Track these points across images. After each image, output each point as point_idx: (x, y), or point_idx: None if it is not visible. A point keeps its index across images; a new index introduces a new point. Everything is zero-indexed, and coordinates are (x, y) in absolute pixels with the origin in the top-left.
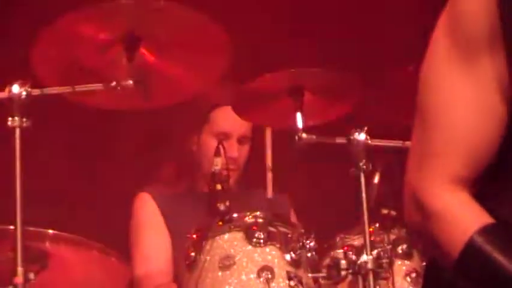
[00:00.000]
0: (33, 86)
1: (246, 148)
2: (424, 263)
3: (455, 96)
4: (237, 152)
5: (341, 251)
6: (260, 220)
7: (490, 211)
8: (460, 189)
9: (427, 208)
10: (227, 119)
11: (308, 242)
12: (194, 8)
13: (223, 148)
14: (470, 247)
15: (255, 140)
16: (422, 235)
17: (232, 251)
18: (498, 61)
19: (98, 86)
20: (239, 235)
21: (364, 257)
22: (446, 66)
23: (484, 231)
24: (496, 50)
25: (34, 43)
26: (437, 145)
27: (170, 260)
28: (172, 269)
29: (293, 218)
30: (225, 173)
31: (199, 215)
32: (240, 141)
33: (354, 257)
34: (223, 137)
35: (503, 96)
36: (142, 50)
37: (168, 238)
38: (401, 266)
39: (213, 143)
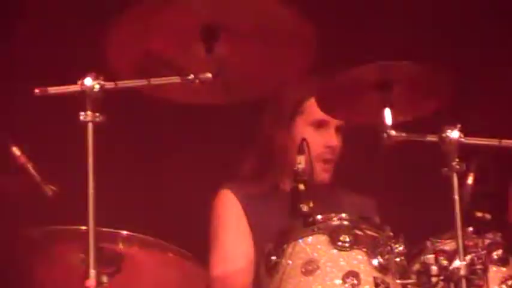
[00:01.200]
0: (106, 79)
1: (341, 138)
2: None
3: None
4: (336, 140)
5: (432, 256)
6: (346, 222)
7: None
8: None
9: None
10: None
11: (397, 246)
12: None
13: (307, 145)
14: None
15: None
16: None
17: (315, 255)
18: None
19: (174, 79)
20: (323, 238)
21: (456, 263)
22: None
23: None
24: None
25: (109, 33)
26: None
27: (252, 263)
28: (253, 271)
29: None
30: (309, 171)
31: (282, 216)
32: (337, 130)
33: (445, 263)
34: (320, 125)
35: None
36: (222, 42)
37: (250, 239)
38: (496, 273)
39: (308, 131)
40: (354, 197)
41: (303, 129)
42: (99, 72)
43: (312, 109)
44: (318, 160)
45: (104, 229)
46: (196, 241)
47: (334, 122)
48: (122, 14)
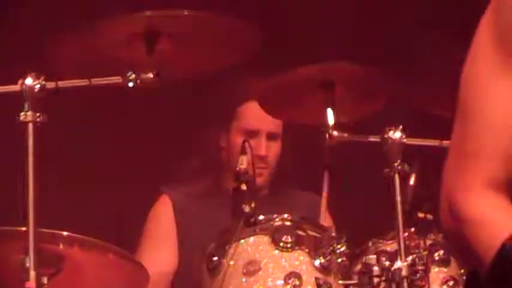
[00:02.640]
0: (47, 79)
1: (276, 145)
2: (463, 271)
3: (497, 98)
4: (266, 149)
5: (374, 256)
6: (288, 223)
7: None
8: (496, 193)
9: (461, 211)
10: (254, 115)
11: (339, 247)
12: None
13: (249, 145)
14: (502, 254)
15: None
16: (456, 240)
17: (257, 255)
18: None
19: (116, 79)
20: (265, 239)
21: (398, 264)
22: (489, 65)
23: None
24: None
25: (52, 36)
26: (476, 145)
27: (168, 275)
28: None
29: (328, 221)
30: (250, 172)
31: (223, 217)
32: (269, 138)
33: (387, 263)
34: (250, 134)
35: None
36: (163, 44)
37: (174, 251)
38: (438, 274)
39: (240, 140)
40: (304, 196)
41: (235, 136)
42: (40, 71)
43: (245, 116)
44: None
45: (44, 230)
46: (137, 242)
47: (264, 130)
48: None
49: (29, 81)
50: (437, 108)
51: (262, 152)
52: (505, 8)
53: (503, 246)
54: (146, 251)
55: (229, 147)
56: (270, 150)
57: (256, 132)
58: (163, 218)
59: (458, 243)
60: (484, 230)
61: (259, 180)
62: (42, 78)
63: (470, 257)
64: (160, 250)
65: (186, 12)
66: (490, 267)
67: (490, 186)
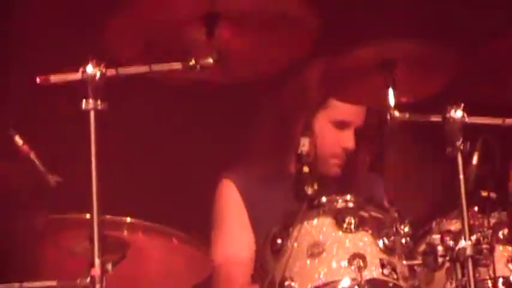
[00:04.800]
0: (108, 66)
1: (358, 139)
2: None
3: None
4: (354, 143)
5: (438, 236)
6: (351, 204)
7: None
8: None
9: None
10: (349, 108)
11: (402, 227)
12: None
13: (312, 129)
14: None
15: None
16: None
17: (321, 237)
18: None
19: (176, 65)
20: (328, 220)
21: (462, 243)
22: None
23: None
24: None
25: (110, 20)
26: None
27: (252, 254)
28: (252, 266)
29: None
30: (312, 154)
31: (288, 200)
32: (356, 132)
33: (451, 243)
34: (341, 125)
35: None
36: (222, 27)
37: (250, 230)
38: (502, 252)
39: (328, 129)
40: (367, 177)
41: (323, 125)
42: (100, 59)
43: (338, 108)
44: (332, 157)
45: (108, 216)
46: (200, 227)
47: (355, 124)
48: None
49: (89, 69)
50: (499, 89)
51: (351, 145)
52: None
53: None
54: (224, 238)
55: (317, 136)
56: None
57: (348, 124)
58: (231, 203)
59: None
60: None
61: (335, 170)
62: (102, 65)
63: None
64: (239, 233)
65: None
66: None
67: None
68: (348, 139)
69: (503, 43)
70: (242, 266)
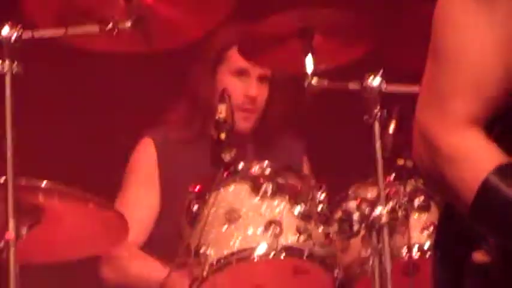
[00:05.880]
0: (24, 28)
1: (265, 89)
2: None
3: (472, 35)
4: (256, 91)
5: (354, 203)
6: (267, 171)
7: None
8: (476, 129)
9: (439, 146)
10: None
11: (319, 194)
12: None
13: (228, 94)
14: (485, 187)
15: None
16: (431, 175)
17: (237, 204)
18: None
19: (93, 28)
20: (245, 187)
21: (378, 210)
22: (462, 3)
23: (500, 170)
24: None
25: None
26: (454, 84)
27: (151, 216)
28: (148, 231)
29: (306, 166)
30: (229, 120)
31: (205, 165)
32: (259, 80)
33: (367, 210)
34: (240, 75)
35: None
36: None
37: (156, 193)
38: (418, 220)
39: (230, 80)
40: (285, 139)
41: (224, 78)
42: (16, 21)
43: (234, 57)
44: (238, 109)
45: (24, 180)
46: (117, 191)
47: (255, 72)
48: None
49: (5, 31)
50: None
51: (253, 93)
52: None
53: (487, 179)
54: (128, 193)
55: (215, 92)
56: (260, 92)
57: (247, 71)
58: (145, 160)
59: (435, 180)
60: (466, 164)
61: (244, 125)
62: (18, 27)
63: (449, 193)
64: (143, 193)
65: None
66: (474, 200)
67: (470, 123)
68: (249, 86)
69: (424, 9)
70: (137, 224)
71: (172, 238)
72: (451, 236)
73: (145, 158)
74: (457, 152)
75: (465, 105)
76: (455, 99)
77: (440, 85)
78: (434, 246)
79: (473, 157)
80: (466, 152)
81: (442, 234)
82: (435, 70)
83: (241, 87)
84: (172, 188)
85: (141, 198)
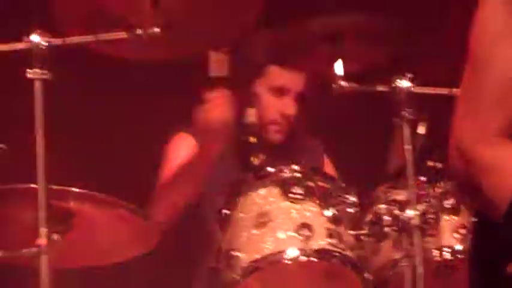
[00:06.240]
0: (53, 36)
1: (299, 105)
2: (473, 218)
3: (509, 47)
4: (294, 110)
5: (384, 206)
6: (297, 174)
7: None
8: (509, 141)
9: (475, 156)
10: (286, 74)
11: (349, 197)
12: None
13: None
14: None
15: None
16: (466, 185)
17: (268, 207)
18: None
19: (122, 35)
20: (275, 190)
21: (409, 213)
22: (503, 11)
23: None
24: None
25: None
26: (491, 96)
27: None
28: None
29: (327, 165)
30: (258, 124)
31: (236, 169)
32: (296, 98)
33: (398, 213)
34: (280, 93)
35: None
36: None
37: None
38: (448, 222)
39: (267, 97)
40: (306, 141)
41: (262, 93)
42: (46, 29)
43: (275, 75)
44: (272, 124)
45: (54, 186)
46: (148, 199)
47: (294, 90)
48: None
49: (35, 37)
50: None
51: (291, 112)
52: None
53: None
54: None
55: (257, 104)
56: (296, 111)
57: (287, 90)
58: (184, 149)
59: (471, 189)
60: (499, 175)
61: (276, 137)
62: (48, 34)
63: (484, 202)
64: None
65: None
66: (508, 208)
67: (503, 135)
68: (287, 106)
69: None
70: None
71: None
72: (487, 245)
73: (184, 147)
74: (492, 162)
75: (500, 117)
76: (490, 111)
77: (478, 95)
78: (470, 254)
79: (505, 168)
80: (500, 163)
81: (478, 242)
82: (472, 78)
83: (278, 105)
84: (207, 190)
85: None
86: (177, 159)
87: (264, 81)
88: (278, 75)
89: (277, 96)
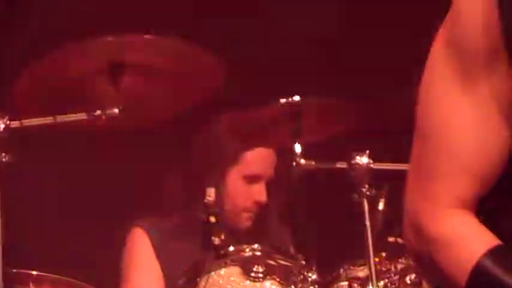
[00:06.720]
0: (11, 118)
1: (269, 191)
2: None
3: (456, 116)
4: (266, 196)
5: (345, 283)
6: (258, 253)
7: (491, 228)
8: (464, 212)
9: (429, 233)
10: (260, 162)
11: (310, 274)
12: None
13: (220, 180)
14: (478, 271)
15: None
16: (422, 262)
17: (229, 287)
18: (499, 79)
19: (81, 116)
20: (236, 270)
21: None
22: (445, 84)
23: (492, 253)
24: (496, 68)
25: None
26: (440, 166)
27: None
28: None
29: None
30: (218, 204)
31: (197, 250)
32: (267, 183)
33: None
34: (253, 180)
35: (505, 116)
36: (128, 76)
37: (160, 279)
38: None
39: (241, 184)
40: (273, 222)
41: (235, 180)
42: (3, 111)
43: (249, 163)
44: (244, 211)
45: (14, 270)
46: (109, 279)
47: (265, 177)
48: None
49: None
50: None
51: (263, 198)
52: (459, 24)
53: (479, 263)
54: (131, 285)
55: (224, 190)
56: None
57: (260, 177)
58: (141, 248)
59: (427, 265)
60: (455, 248)
61: (247, 224)
62: (6, 117)
63: (442, 278)
64: (149, 277)
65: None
66: (467, 284)
67: (457, 205)
68: (259, 193)
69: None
70: None
71: None
72: None
73: (141, 246)
74: (447, 238)
75: (452, 187)
76: (441, 181)
77: (426, 167)
78: None
79: (465, 242)
80: (457, 238)
81: None
82: (420, 151)
83: (251, 193)
84: (169, 277)
85: (147, 284)
86: (137, 258)
87: (237, 169)
88: (252, 163)
89: (250, 183)
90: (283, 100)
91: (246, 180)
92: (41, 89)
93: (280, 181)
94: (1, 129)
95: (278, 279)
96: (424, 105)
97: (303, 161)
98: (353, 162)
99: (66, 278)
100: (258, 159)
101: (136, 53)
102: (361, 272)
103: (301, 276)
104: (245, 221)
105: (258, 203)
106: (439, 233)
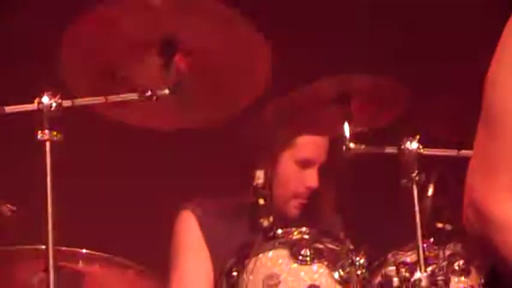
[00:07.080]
0: (63, 97)
1: (321, 178)
2: (483, 280)
3: None
4: (318, 181)
5: (393, 268)
6: (306, 236)
7: None
8: None
9: (489, 214)
10: (313, 147)
11: (358, 258)
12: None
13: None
14: None
15: None
16: (479, 241)
17: (277, 269)
18: None
19: (132, 96)
20: (284, 252)
21: (418, 275)
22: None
23: None
24: None
25: (61, 43)
26: (504, 152)
27: (211, 285)
28: None
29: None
30: (267, 186)
31: (245, 232)
32: (319, 169)
33: (407, 275)
34: (306, 165)
35: None
36: (180, 57)
37: (209, 262)
38: (458, 284)
39: (293, 169)
40: (323, 208)
41: (288, 165)
42: (56, 90)
43: (302, 147)
44: (295, 197)
45: (64, 248)
46: (157, 259)
47: (318, 162)
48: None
49: (45, 99)
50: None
51: (315, 184)
52: None
53: None
54: (182, 270)
55: (277, 174)
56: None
57: (313, 163)
58: (191, 233)
59: (484, 245)
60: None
61: (295, 212)
62: (58, 96)
63: (496, 259)
64: (197, 260)
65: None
66: None
67: None
68: (311, 178)
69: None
70: None
71: None
72: None
73: (189, 229)
74: (504, 219)
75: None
76: (503, 167)
77: (490, 152)
78: None
79: None
80: None
81: None
82: (485, 137)
83: (303, 178)
84: (218, 258)
85: (196, 271)
86: (186, 242)
87: (289, 153)
88: (305, 147)
89: (302, 168)
90: (332, 81)
91: (298, 165)
92: (90, 67)
93: (332, 168)
94: (53, 108)
95: (326, 263)
96: (490, 93)
97: (352, 145)
98: (402, 147)
99: (115, 257)
100: (310, 143)
101: (188, 30)
102: (409, 258)
103: (349, 261)
104: (293, 208)
105: (309, 188)
106: (499, 215)
